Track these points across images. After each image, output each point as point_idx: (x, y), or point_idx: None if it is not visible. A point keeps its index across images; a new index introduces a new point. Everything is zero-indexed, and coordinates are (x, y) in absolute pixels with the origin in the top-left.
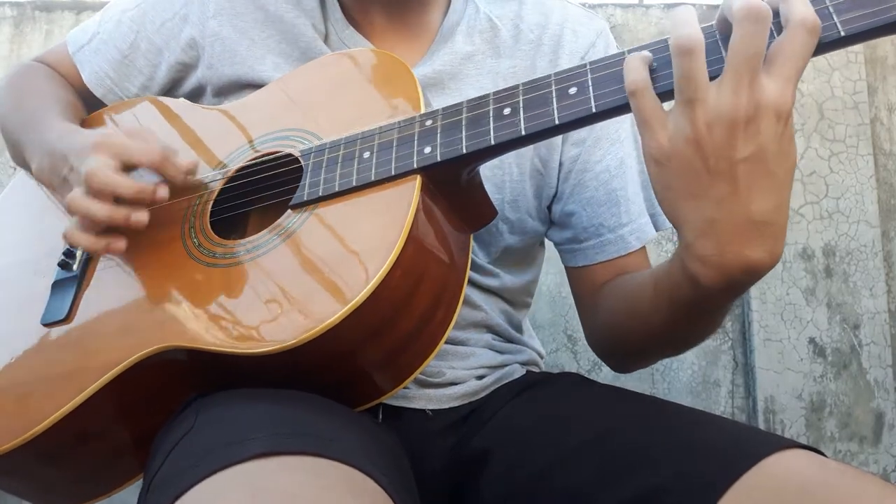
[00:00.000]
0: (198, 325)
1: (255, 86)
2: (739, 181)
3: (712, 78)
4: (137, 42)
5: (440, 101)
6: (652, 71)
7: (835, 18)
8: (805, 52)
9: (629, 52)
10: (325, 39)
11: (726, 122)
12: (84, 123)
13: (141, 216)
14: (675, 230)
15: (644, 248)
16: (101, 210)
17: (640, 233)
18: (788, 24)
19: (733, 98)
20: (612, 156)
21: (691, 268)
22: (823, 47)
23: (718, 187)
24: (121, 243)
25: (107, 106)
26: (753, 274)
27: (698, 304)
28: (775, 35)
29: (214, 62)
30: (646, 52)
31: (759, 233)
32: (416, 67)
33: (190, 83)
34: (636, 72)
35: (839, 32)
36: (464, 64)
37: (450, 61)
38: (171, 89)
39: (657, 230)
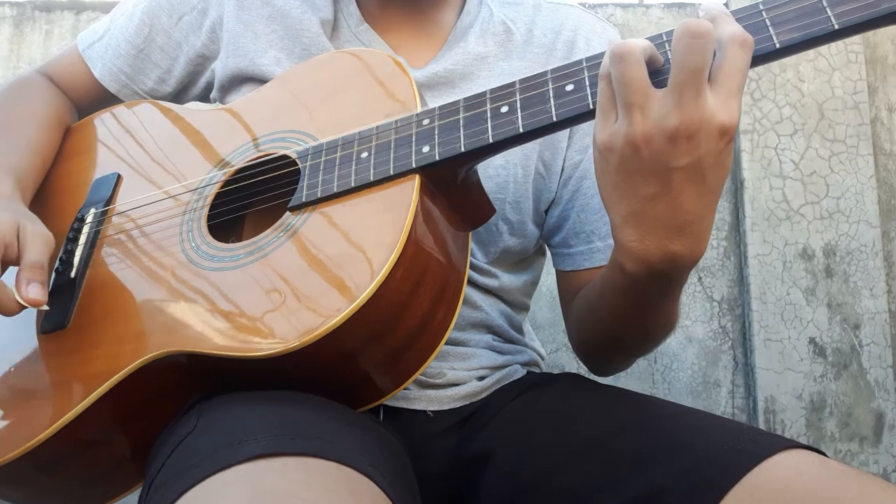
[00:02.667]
0: (199, 330)
1: (257, 80)
2: (672, 185)
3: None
4: (153, 35)
5: (449, 100)
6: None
7: (771, 31)
8: (743, 66)
9: (668, 33)
10: (337, 34)
11: (667, 133)
12: (69, 132)
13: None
14: None
15: None
16: None
17: None
18: (723, 43)
19: (677, 111)
20: None
21: (616, 253)
22: (760, 59)
23: (649, 187)
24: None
25: (113, 105)
26: (675, 264)
27: (630, 291)
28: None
29: (223, 54)
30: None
31: (682, 231)
32: (429, 65)
33: (206, 77)
34: (606, 57)
35: (775, 44)
36: (475, 64)
37: (461, 61)
38: (188, 84)
39: None
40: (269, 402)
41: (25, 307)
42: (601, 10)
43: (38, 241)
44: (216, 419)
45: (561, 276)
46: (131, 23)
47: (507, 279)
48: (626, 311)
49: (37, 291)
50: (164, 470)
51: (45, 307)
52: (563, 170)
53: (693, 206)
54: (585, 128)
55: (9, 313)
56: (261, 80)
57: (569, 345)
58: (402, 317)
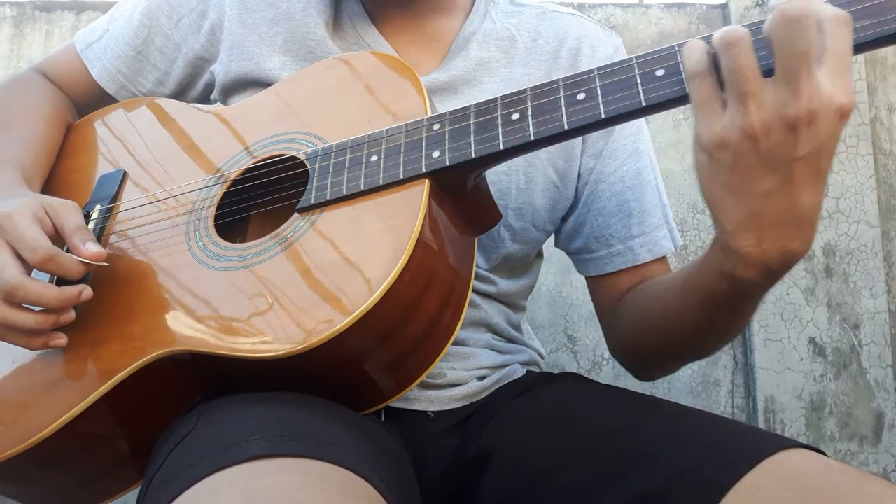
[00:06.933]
0: (205, 329)
1: (261, 84)
2: (793, 178)
3: (768, 74)
4: (151, 37)
5: (453, 106)
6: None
7: None
8: (848, 45)
9: (680, 44)
10: (342, 36)
11: (788, 122)
12: (71, 129)
13: (69, 317)
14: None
15: (664, 258)
16: (28, 320)
17: (652, 245)
18: (824, 24)
19: (794, 98)
20: (629, 167)
21: (727, 261)
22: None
23: (769, 182)
24: (61, 340)
25: (108, 106)
26: (791, 262)
27: (733, 298)
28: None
29: (225, 57)
30: (702, 41)
31: (800, 225)
32: (432, 73)
33: (205, 79)
34: (697, 53)
35: None
36: (478, 70)
37: (464, 67)
38: (186, 85)
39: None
40: (269, 403)
41: (89, 265)
42: (601, 10)
43: (69, 208)
44: (216, 419)
45: (591, 283)
46: (130, 24)
47: (505, 285)
48: (716, 318)
49: (96, 248)
50: (163, 469)
51: (105, 263)
52: (579, 176)
53: (811, 198)
54: (598, 132)
55: (75, 276)
56: (265, 84)
57: (568, 345)
58: (409, 320)
